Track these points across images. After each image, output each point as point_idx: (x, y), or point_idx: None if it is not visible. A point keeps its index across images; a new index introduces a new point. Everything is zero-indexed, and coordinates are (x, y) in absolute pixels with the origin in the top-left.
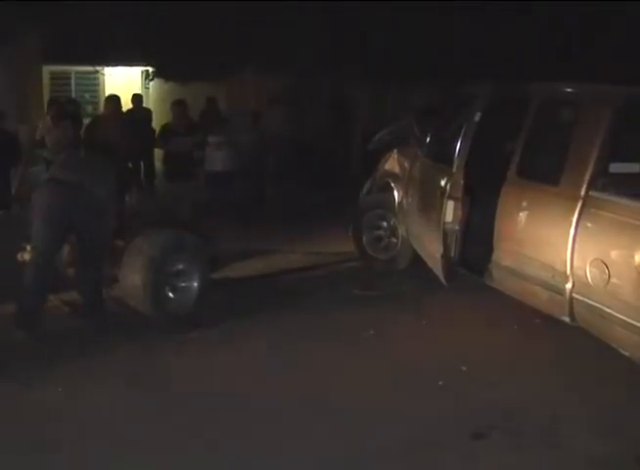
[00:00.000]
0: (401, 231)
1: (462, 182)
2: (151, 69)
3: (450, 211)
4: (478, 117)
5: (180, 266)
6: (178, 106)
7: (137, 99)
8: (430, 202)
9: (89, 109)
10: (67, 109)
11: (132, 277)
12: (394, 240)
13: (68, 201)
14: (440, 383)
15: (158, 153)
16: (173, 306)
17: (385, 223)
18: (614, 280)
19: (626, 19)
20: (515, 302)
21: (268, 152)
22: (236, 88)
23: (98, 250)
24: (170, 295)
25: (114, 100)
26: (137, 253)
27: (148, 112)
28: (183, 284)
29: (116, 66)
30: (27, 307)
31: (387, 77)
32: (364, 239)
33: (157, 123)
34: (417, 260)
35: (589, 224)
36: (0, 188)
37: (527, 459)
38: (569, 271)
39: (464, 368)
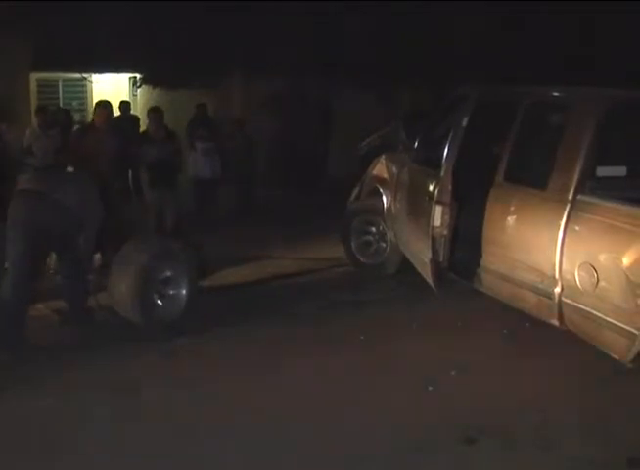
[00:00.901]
0: (390, 236)
1: (450, 187)
2: (139, 75)
3: (438, 216)
4: (465, 121)
5: (168, 273)
6: (154, 113)
7: (125, 106)
8: (418, 207)
9: (77, 116)
10: (56, 117)
11: (120, 285)
12: (383, 245)
13: (39, 213)
14: (430, 388)
15: None
16: (161, 314)
17: (373, 228)
18: (602, 283)
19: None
20: (504, 306)
21: (254, 157)
22: (223, 94)
23: (80, 261)
24: (159, 302)
25: (106, 106)
26: (125, 260)
27: (136, 119)
28: (171, 291)
29: (104, 73)
30: (7, 326)
31: (372, 81)
32: (353, 244)
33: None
34: (406, 266)
35: (577, 228)
36: None
37: (517, 463)
38: (557, 275)
39: (453, 373)
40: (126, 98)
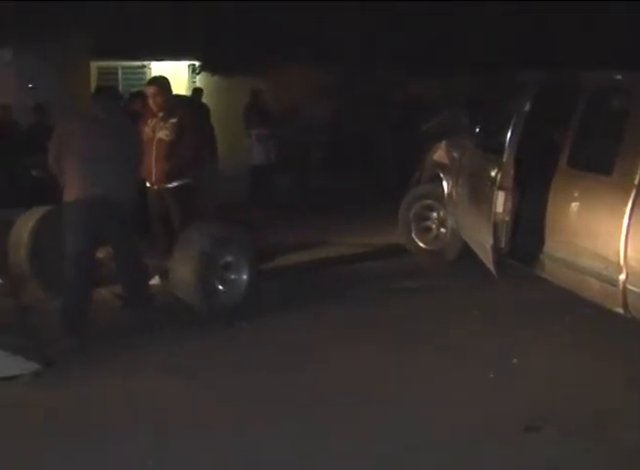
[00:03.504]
0: (451, 222)
1: (512, 172)
2: (197, 62)
3: (501, 202)
4: (527, 106)
5: (229, 259)
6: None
7: (198, 94)
8: (480, 192)
9: None
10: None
11: (182, 270)
12: (443, 231)
13: (99, 219)
14: (491, 375)
15: None
16: (222, 299)
17: (434, 214)
18: None
19: None
20: (566, 293)
21: (309, 144)
22: (280, 81)
23: (136, 246)
24: (220, 287)
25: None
26: (187, 245)
27: (207, 107)
28: (232, 276)
29: (163, 60)
30: (73, 310)
31: (433, 67)
32: (413, 230)
33: None
34: (466, 252)
35: None
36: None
37: (576, 452)
38: (622, 262)
39: (515, 360)
40: (185, 85)
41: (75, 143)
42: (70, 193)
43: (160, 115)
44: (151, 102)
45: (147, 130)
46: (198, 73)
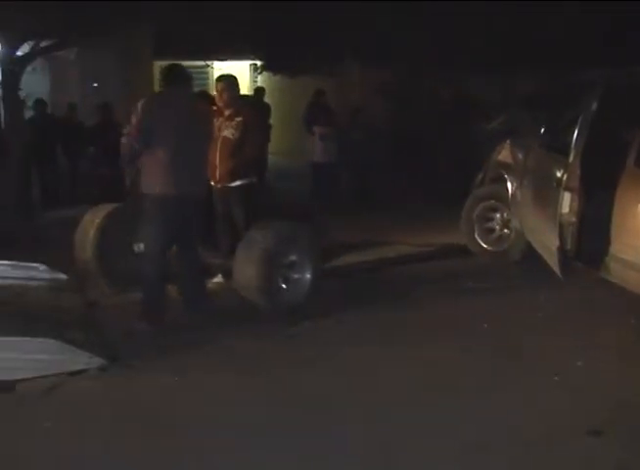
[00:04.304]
0: (515, 223)
1: (579, 173)
2: (259, 62)
3: (567, 203)
4: (594, 105)
5: (293, 257)
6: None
7: (260, 93)
8: (545, 193)
9: None
10: None
11: (246, 269)
12: (507, 232)
13: (184, 215)
14: (556, 378)
15: None
16: (285, 298)
17: (497, 215)
18: None
19: None
20: (632, 295)
21: (371, 143)
22: (342, 81)
23: (196, 245)
24: (283, 286)
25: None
26: (251, 244)
27: (268, 106)
28: (296, 275)
29: (225, 60)
30: (154, 301)
31: (497, 66)
32: (476, 231)
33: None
34: (531, 253)
35: None
36: (113, 182)
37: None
38: None
39: (579, 363)
40: (247, 84)
41: (168, 132)
42: (154, 186)
43: (226, 113)
44: (218, 99)
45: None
46: (260, 73)
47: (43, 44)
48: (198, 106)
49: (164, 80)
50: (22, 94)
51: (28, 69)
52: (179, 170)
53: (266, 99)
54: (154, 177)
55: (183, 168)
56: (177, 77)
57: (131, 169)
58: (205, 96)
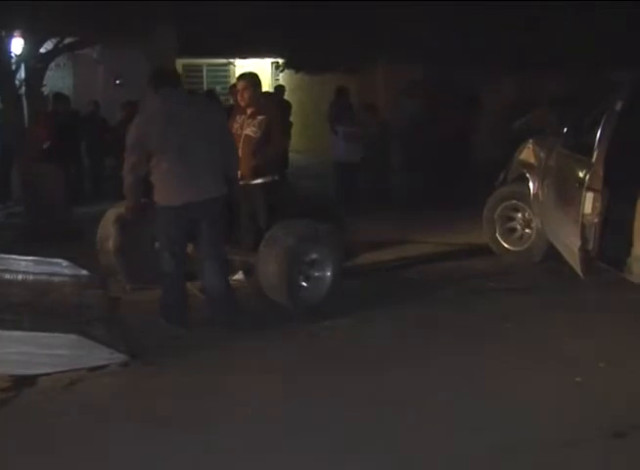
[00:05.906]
0: (536, 223)
1: (602, 173)
2: (281, 60)
3: (589, 203)
4: (619, 105)
5: (314, 256)
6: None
7: (280, 91)
8: (567, 193)
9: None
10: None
11: (267, 266)
12: (528, 232)
13: (193, 219)
14: (578, 379)
15: None
16: (306, 296)
17: (519, 215)
18: None
19: None
20: None
21: (389, 142)
22: (366, 79)
23: (219, 242)
24: (304, 284)
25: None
26: (273, 242)
27: (289, 104)
28: (316, 274)
29: (247, 58)
30: (173, 300)
31: (516, 66)
32: (497, 230)
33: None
34: (552, 253)
35: None
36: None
37: None
38: None
39: (602, 365)
40: (269, 82)
41: (161, 143)
42: (158, 196)
43: (249, 111)
44: (239, 97)
45: (235, 126)
46: (281, 71)
47: (67, 41)
48: (198, 106)
49: (152, 86)
50: (45, 90)
51: (52, 66)
52: (182, 180)
53: (288, 97)
54: (157, 188)
55: (187, 177)
56: (164, 81)
57: None
58: (212, 95)
